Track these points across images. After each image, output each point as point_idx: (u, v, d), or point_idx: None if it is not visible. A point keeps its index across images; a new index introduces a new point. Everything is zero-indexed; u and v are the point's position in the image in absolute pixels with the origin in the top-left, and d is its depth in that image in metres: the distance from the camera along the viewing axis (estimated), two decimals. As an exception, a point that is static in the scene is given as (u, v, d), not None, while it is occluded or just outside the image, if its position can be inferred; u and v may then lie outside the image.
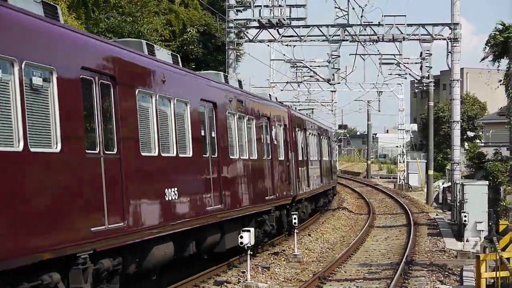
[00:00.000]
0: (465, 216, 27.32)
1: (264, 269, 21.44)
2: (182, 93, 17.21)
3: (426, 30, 38.03)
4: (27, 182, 10.82)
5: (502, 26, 34.61)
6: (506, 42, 33.84)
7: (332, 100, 79.10)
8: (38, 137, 11.23)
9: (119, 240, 13.47)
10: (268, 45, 43.13)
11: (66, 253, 11.74)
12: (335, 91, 73.41)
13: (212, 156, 19.08)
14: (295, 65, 53.25)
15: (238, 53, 43.05)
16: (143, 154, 14.79)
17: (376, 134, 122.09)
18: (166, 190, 15.75)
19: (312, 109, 56.52)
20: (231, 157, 20.56)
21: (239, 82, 24.16)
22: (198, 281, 18.86)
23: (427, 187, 49.57)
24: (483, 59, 36.06)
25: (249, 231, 18.83)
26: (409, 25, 38.02)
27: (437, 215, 40.07)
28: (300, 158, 31.24)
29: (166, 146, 16.06)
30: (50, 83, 11.71)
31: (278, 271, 21.48)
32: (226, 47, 38.70)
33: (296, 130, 30.73)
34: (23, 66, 10.96)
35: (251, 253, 19.15)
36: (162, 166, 15.79)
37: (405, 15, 38.42)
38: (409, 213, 39.96)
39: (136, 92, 14.74)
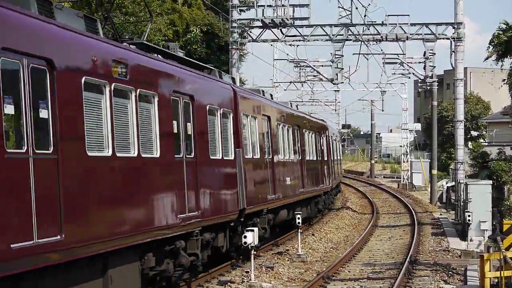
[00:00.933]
0: (469, 216, 27.31)
1: (268, 269, 21.44)
2: (292, 122, 29.25)
3: (430, 29, 37.98)
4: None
5: (505, 26, 34.61)
6: (509, 42, 33.83)
7: (336, 100, 79.06)
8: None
9: (273, 205, 24.87)
10: (271, 45, 43.21)
11: (264, 208, 23.59)
12: (338, 90, 73.28)
13: (300, 159, 30.36)
14: (299, 65, 53.24)
15: (241, 53, 43.07)
16: (279, 157, 26.06)
17: (379, 133, 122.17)
18: (287, 178, 27.00)
19: (311, 114, 56.70)
20: (307, 158, 31.86)
21: (297, 107, 37.34)
22: (202, 281, 18.85)
23: (431, 187, 49.56)
24: (487, 58, 36.08)
25: (252, 230, 18.87)
26: (412, 24, 37.96)
27: (441, 214, 40.06)
28: (331, 158, 41.73)
29: (286, 153, 27.74)
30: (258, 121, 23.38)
31: (282, 271, 21.49)
32: (230, 47, 38.68)
33: (329, 138, 41.39)
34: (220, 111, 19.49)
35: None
36: (287, 164, 27.56)
37: (408, 15, 38.19)
38: (413, 212, 39.96)
39: (276, 124, 26.08)
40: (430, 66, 42.43)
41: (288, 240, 28.62)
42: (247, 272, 20.09)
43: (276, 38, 38.78)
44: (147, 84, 14.57)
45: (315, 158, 34.38)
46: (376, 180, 76.30)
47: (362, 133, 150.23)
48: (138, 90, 14.07)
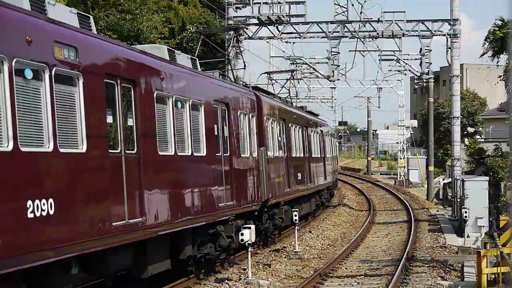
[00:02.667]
0: (465, 212, 27.34)
1: (265, 266, 21.45)
2: (331, 134, 47.17)
3: (426, 26, 37.98)
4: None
5: (501, 22, 34.60)
6: (505, 38, 33.81)
7: (332, 97, 79.14)
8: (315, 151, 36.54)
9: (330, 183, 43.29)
10: (267, 42, 43.14)
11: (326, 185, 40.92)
12: (335, 87, 73.35)
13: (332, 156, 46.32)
14: (295, 62, 53.18)
15: (237, 50, 43.02)
16: (327, 156, 41.04)
17: (376, 130, 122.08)
18: (332, 167, 44.27)
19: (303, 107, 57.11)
20: (327, 156, 42.37)
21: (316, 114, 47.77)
22: (199, 279, 18.83)
23: (428, 183, 49.60)
24: (483, 55, 36.06)
25: (249, 228, 18.85)
26: (408, 21, 37.97)
27: (437, 211, 40.09)
28: (333, 154, 50.25)
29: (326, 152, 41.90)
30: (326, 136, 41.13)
31: (279, 268, 21.50)
32: (226, 44, 38.68)
33: (332, 136, 51.56)
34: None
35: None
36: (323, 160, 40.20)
37: (404, 11, 38.16)
38: (410, 209, 39.99)
39: (329, 136, 42.91)
40: (426, 62, 42.39)
41: (285, 237, 28.62)
42: (244, 269, 20.09)
43: (272, 35, 38.78)
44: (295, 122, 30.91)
45: (329, 155, 45.42)
46: (372, 177, 76.33)
47: (358, 130, 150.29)
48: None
